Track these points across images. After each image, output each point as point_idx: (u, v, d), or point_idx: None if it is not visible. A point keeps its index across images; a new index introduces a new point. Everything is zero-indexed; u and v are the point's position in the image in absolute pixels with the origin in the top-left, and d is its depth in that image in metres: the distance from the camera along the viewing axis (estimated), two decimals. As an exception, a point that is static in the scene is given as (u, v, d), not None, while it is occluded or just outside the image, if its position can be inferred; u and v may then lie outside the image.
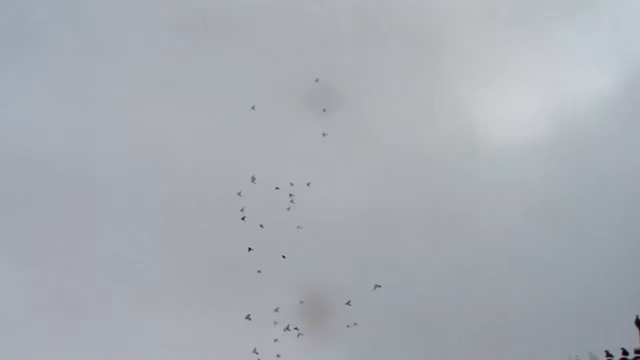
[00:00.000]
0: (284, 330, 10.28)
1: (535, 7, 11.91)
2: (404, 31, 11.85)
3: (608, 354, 9.87)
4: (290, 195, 10.85)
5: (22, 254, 10.55)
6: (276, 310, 10.38)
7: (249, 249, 10.67)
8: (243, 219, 10.76)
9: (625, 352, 9.82)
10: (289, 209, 10.79)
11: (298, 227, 10.76)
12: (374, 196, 11.09)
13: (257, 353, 10.24)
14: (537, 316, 10.63)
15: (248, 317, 10.30)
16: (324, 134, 11.20)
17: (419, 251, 10.85)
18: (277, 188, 10.90)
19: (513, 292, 10.74)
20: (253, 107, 11.32)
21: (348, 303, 10.50)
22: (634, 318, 9.83)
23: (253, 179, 10.88)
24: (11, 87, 11.32)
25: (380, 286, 10.55)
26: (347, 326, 10.47)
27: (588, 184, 11.16)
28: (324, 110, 11.33)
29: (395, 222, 10.97)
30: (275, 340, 10.24)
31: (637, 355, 9.79)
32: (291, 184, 10.89)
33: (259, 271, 10.61)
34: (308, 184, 10.92)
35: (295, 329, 10.31)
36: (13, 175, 10.92)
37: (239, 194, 10.85)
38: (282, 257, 10.66)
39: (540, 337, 10.53)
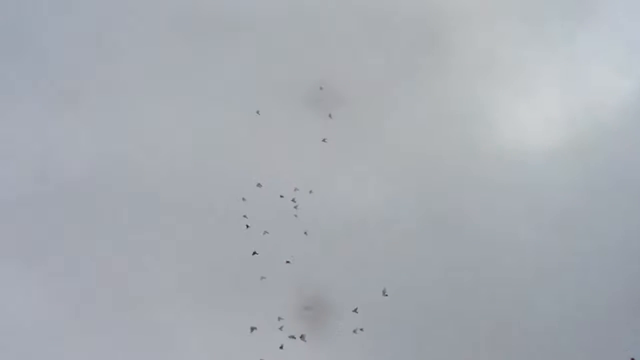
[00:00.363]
0: (289, 337, 10.31)
1: (552, 6, 11.93)
2: (409, 31, 11.89)
3: (633, 362, 9.98)
4: (293, 200, 10.85)
5: (21, 253, 10.54)
6: (279, 319, 10.39)
7: (254, 252, 10.68)
8: (247, 226, 10.76)
9: (650, 360, 9.90)
10: (296, 215, 10.79)
11: (305, 233, 10.77)
12: (379, 199, 11.07)
13: None
14: (552, 323, 10.66)
15: (253, 328, 10.32)
16: (324, 140, 11.21)
17: (425, 255, 10.84)
18: (281, 196, 10.90)
19: (533, 300, 10.76)
20: (258, 112, 11.33)
21: (355, 310, 10.52)
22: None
23: (259, 185, 10.88)
24: (10, 86, 11.28)
25: (387, 295, 10.58)
26: (354, 331, 10.50)
27: (608, 191, 11.19)
28: (330, 115, 11.34)
29: (401, 227, 10.98)
30: (281, 347, 10.27)
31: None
32: (296, 189, 10.90)
33: (263, 277, 10.63)
34: (310, 192, 10.92)
35: (301, 337, 10.33)
36: (12, 175, 10.89)
37: (243, 199, 10.85)
38: (286, 263, 10.67)
39: (553, 343, 10.58)
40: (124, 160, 11.01)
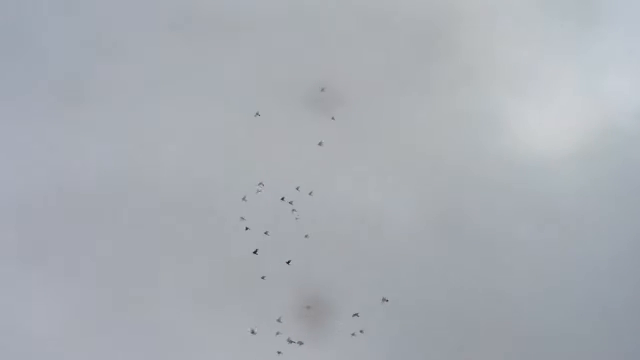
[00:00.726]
0: (288, 342, 10.27)
1: (559, 6, 11.88)
2: (409, 31, 11.86)
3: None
4: (291, 203, 10.82)
5: (21, 253, 10.53)
6: (279, 320, 10.37)
7: (255, 251, 10.66)
8: (247, 229, 10.74)
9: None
10: (297, 219, 10.78)
11: (306, 236, 10.75)
12: (379, 200, 11.08)
13: None
14: (552, 324, 10.65)
15: (253, 332, 10.29)
16: (320, 144, 11.18)
17: (425, 255, 10.84)
18: (282, 199, 10.88)
19: (533, 300, 10.75)
20: (258, 114, 11.30)
21: (357, 315, 10.49)
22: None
23: (261, 186, 10.85)
24: (10, 86, 11.27)
25: (388, 300, 10.55)
26: (353, 334, 10.48)
27: (607, 191, 11.14)
28: (333, 118, 11.33)
29: (401, 227, 10.98)
30: (279, 353, 10.24)
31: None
32: (298, 188, 10.88)
33: (263, 277, 10.62)
34: (310, 193, 10.89)
35: (300, 342, 10.29)
36: (12, 176, 10.88)
37: (244, 199, 10.83)
38: (286, 264, 10.64)
39: (553, 344, 10.56)
40: (124, 160, 10.99)
